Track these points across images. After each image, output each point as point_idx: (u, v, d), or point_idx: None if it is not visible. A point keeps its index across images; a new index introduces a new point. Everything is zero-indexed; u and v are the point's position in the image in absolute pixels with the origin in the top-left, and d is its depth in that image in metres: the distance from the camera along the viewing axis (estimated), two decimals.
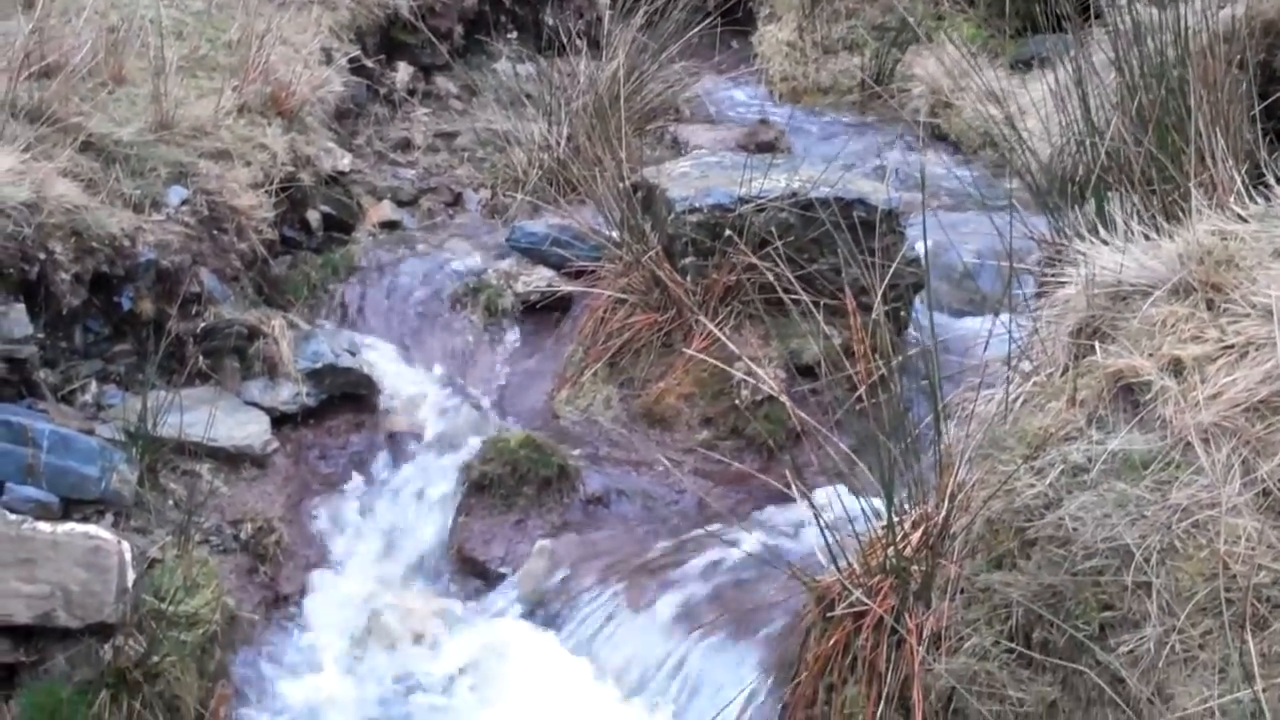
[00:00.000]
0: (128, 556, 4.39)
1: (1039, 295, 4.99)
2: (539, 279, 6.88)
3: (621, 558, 5.46)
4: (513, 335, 6.77)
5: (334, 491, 5.78)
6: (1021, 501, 3.89)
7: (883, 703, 4.06)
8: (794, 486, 4.31)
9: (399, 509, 5.83)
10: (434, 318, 6.82)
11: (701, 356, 5.57)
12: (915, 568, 4.13)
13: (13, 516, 4.33)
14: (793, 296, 4.91)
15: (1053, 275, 4.73)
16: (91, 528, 4.41)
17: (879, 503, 4.31)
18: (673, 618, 5.01)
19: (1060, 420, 4.04)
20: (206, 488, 5.30)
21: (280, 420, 5.80)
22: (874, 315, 4.73)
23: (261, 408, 5.76)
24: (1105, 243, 4.46)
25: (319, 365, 5.96)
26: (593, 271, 6.69)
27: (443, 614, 5.37)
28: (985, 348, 4.68)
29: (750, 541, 5.07)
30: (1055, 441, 3.97)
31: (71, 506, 4.58)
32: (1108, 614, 3.53)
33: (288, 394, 5.86)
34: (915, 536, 4.21)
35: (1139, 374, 3.91)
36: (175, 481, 5.24)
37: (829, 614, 4.28)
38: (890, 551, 4.15)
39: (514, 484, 5.71)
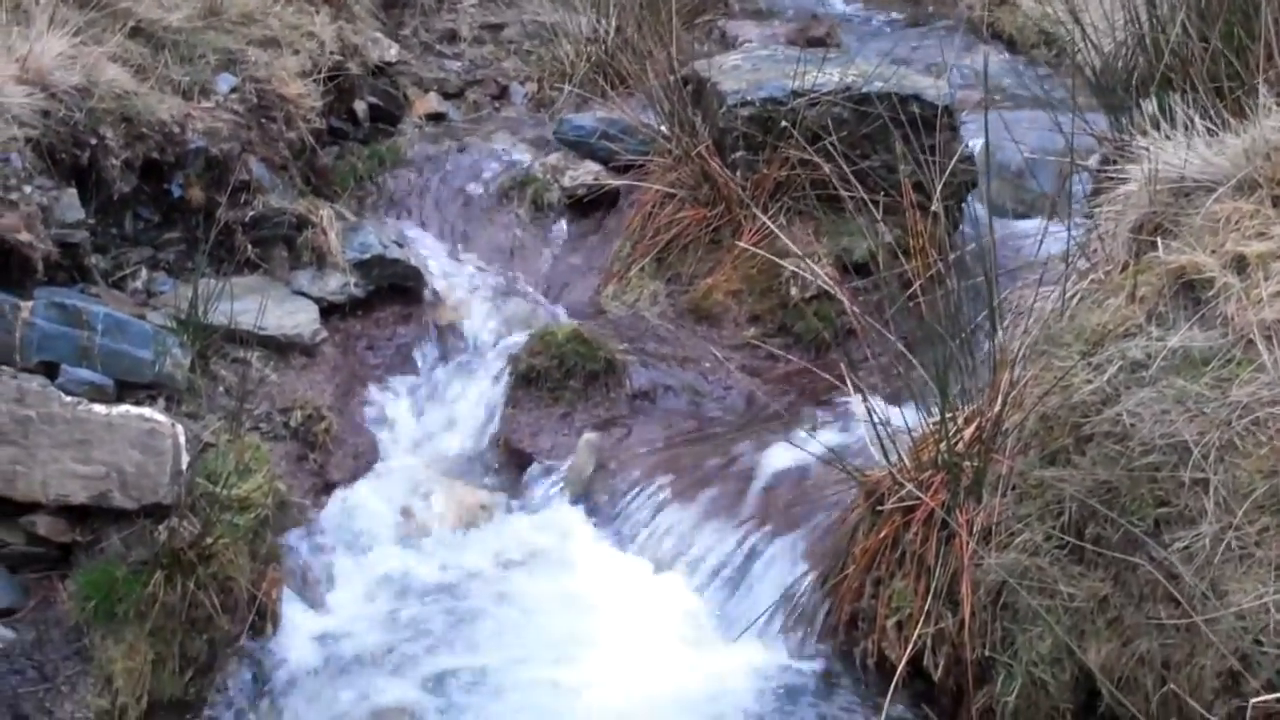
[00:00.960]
0: (182, 439, 4.41)
1: (1097, 193, 4.91)
2: (586, 173, 6.83)
3: (668, 452, 5.47)
4: (559, 229, 6.75)
5: (382, 382, 5.79)
6: (1078, 397, 3.87)
7: (931, 597, 4.07)
8: (847, 379, 4.28)
9: (446, 400, 5.84)
10: (480, 211, 6.80)
11: (753, 250, 5.53)
12: (967, 463, 4.11)
13: (68, 398, 4.35)
14: (845, 193, 4.86)
15: (1113, 172, 4.65)
16: (146, 410, 4.44)
17: (931, 401, 4.29)
18: (719, 512, 5.02)
19: (1119, 317, 4.00)
20: (257, 375, 5.32)
21: (328, 310, 5.80)
22: (933, 209, 4.67)
23: (310, 297, 5.76)
24: (1168, 139, 4.38)
25: (367, 256, 5.95)
26: (640, 166, 6.64)
27: (489, 504, 5.39)
28: (1040, 246, 4.63)
29: (799, 437, 5.06)
30: (1114, 338, 3.94)
31: (125, 390, 4.60)
32: (1163, 510, 3.51)
33: (336, 284, 5.86)
34: (968, 432, 4.19)
35: (1201, 271, 3.86)
36: (226, 369, 5.26)
37: (878, 508, 4.28)
38: (942, 446, 4.14)
39: (561, 377, 5.71)
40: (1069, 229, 4.38)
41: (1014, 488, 4.03)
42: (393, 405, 5.74)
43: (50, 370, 4.46)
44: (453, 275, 6.36)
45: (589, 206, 6.79)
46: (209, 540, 4.32)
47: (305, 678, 4.47)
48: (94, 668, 4.24)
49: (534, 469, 5.54)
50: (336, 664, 4.53)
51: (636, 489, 5.29)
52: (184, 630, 4.31)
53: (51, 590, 4.37)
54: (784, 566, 4.68)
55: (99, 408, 4.37)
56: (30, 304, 4.48)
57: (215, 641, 4.40)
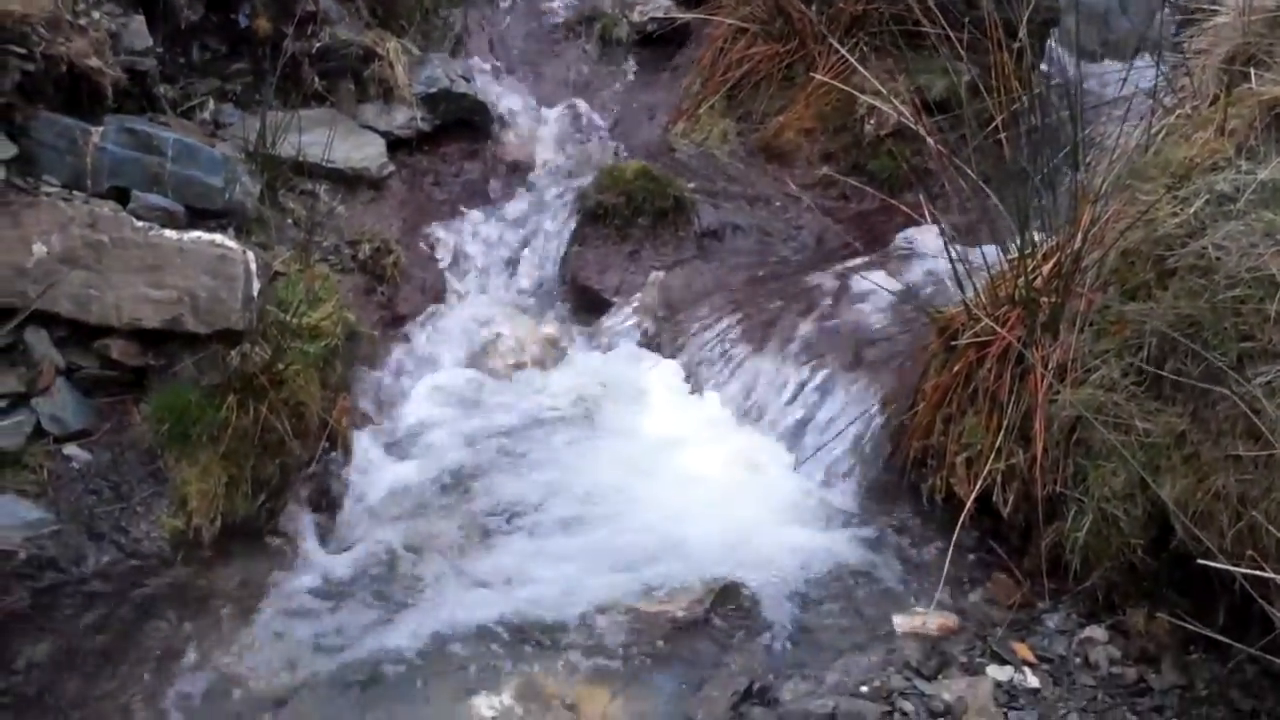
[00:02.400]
0: (253, 266, 4.41)
1: (1186, 25, 4.75)
2: (655, 8, 6.70)
3: (736, 291, 5.43)
4: (628, 66, 6.64)
5: (449, 217, 5.76)
6: (1162, 231, 3.78)
7: (1002, 433, 4.03)
8: (926, 212, 4.20)
9: (513, 236, 5.81)
10: (548, 47, 6.70)
11: (830, 82, 5.42)
12: (1045, 299, 4.05)
13: (139, 223, 4.35)
14: (925, 29, 4.73)
15: (1204, 4, 4.49)
16: (218, 236, 4.43)
17: (1009, 239, 4.21)
18: (788, 349, 5.00)
19: (1207, 150, 3.89)
20: (324, 208, 5.30)
21: (395, 145, 5.76)
22: (1016, 45, 4.54)
23: (377, 131, 5.72)
24: None
25: (434, 90, 5.88)
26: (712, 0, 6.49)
27: (556, 340, 5.39)
28: (1126, 83, 4.49)
29: (870, 275, 5.00)
30: (1201, 171, 3.83)
31: (196, 217, 4.59)
32: (1247, 344, 3.44)
33: (403, 118, 5.80)
34: (1047, 268, 4.12)
35: None
36: (294, 201, 5.25)
37: (952, 344, 4.23)
38: (1020, 282, 4.07)
39: (629, 215, 5.66)
40: (1157, 63, 4.24)
41: (1092, 324, 3.97)
42: (460, 241, 5.71)
43: (121, 196, 4.45)
44: (520, 111, 6.29)
45: (658, 42, 6.67)
46: (280, 366, 4.34)
47: (374, 501, 4.52)
48: (168, 489, 4.31)
49: (601, 306, 5.51)
50: (405, 489, 4.58)
51: (704, 327, 5.27)
52: (256, 454, 4.35)
53: (125, 413, 4.42)
54: (853, 403, 4.65)
55: (170, 233, 4.37)
56: (101, 129, 4.45)
57: (287, 466, 4.44)
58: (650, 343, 5.36)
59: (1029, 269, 4.08)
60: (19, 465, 4.18)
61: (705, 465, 4.64)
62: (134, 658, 3.88)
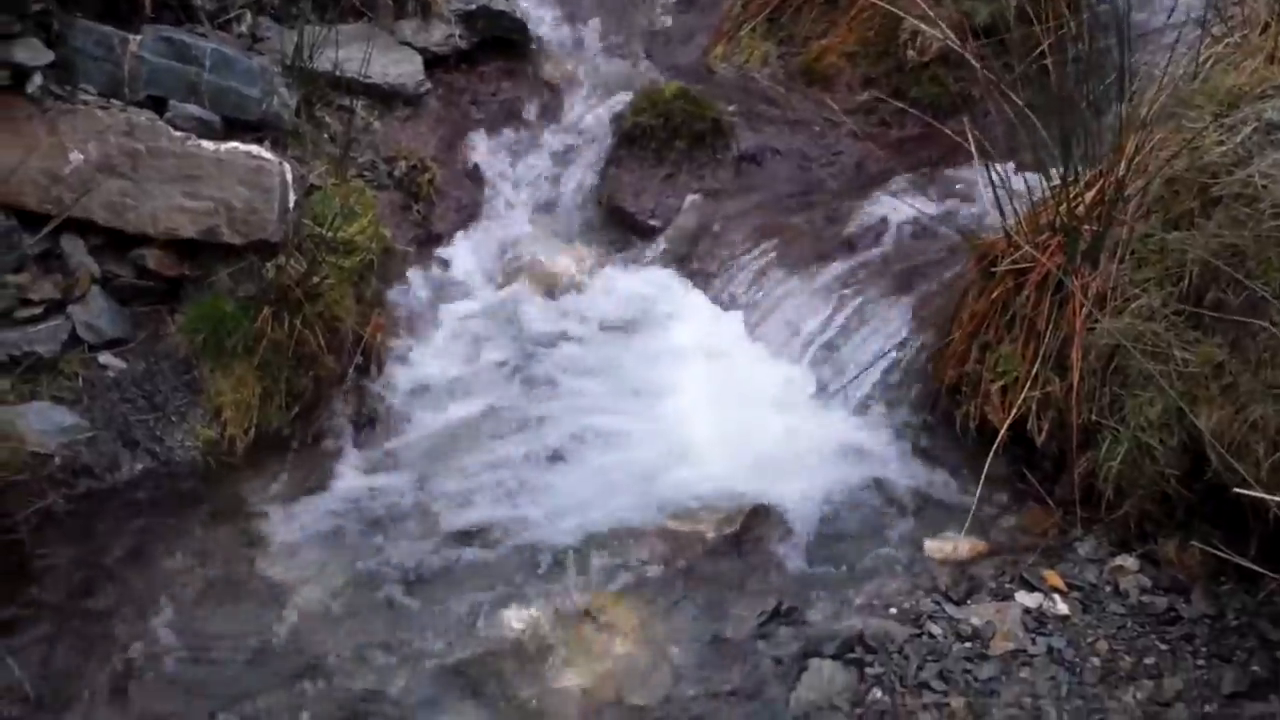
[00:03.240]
0: (289, 178, 4.41)
1: None
2: None
3: (774, 216, 5.38)
4: None
5: (486, 137, 5.71)
6: (1207, 159, 3.72)
7: (1039, 361, 4.00)
8: (970, 137, 4.15)
9: (549, 158, 5.76)
10: None
11: (875, 2, 5.34)
12: (1087, 227, 4.00)
13: (176, 133, 4.35)
14: None
15: None
16: (254, 147, 4.42)
17: (1052, 166, 4.16)
18: (824, 275, 4.95)
19: (1257, 78, 3.83)
20: (361, 123, 5.27)
21: (433, 62, 5.70)
22: None
23: (414, 48, 5.66)
24: None
25: (472, 7, 5.81)
26: None
27: (591, 262, 5.36)
28: (1172, 12, 4.43)
29: (909, 202, 4.95)
30: (1249, 100, 3.78)
31: (232, 128, 4.57)
32: None
33: (440, 35, 5.75)
34: (1089, 196, 4.06)
35: None
36: (330, 116, 5.21)
37: (991, 271, 4.19)
38: (1062, 210, 4.02)
39: (666, 137, 5.60)
40: None
41: (1133, 253, 3.93)
42: (496, 160, 5.66)
43: (158, 105, 4.44)
44: (558, 31, 6.21)
45: None
46: (315, 279, 4.34)
47: (406, 415, 4.53)
48: (203, 399, 4.33)
49: (637, 229, 5.48)
50: (437, 404, 4.58)
51: (740, 252, 5.23)
52: (291, 367, 4.37)
53: (161, 323, 4.44)
54: (888, 331, 4.62)
55: (207, 143, 4.37)
56: (138, 38, 4.44)
57: (321, 379, 4.46)
58: (684, 267, 5.32)
59: (1071, 196, 4.03)
60: (55, 372, 4.21)
61: (737, 389, 4.62)
62: (168, 565, 3.92)
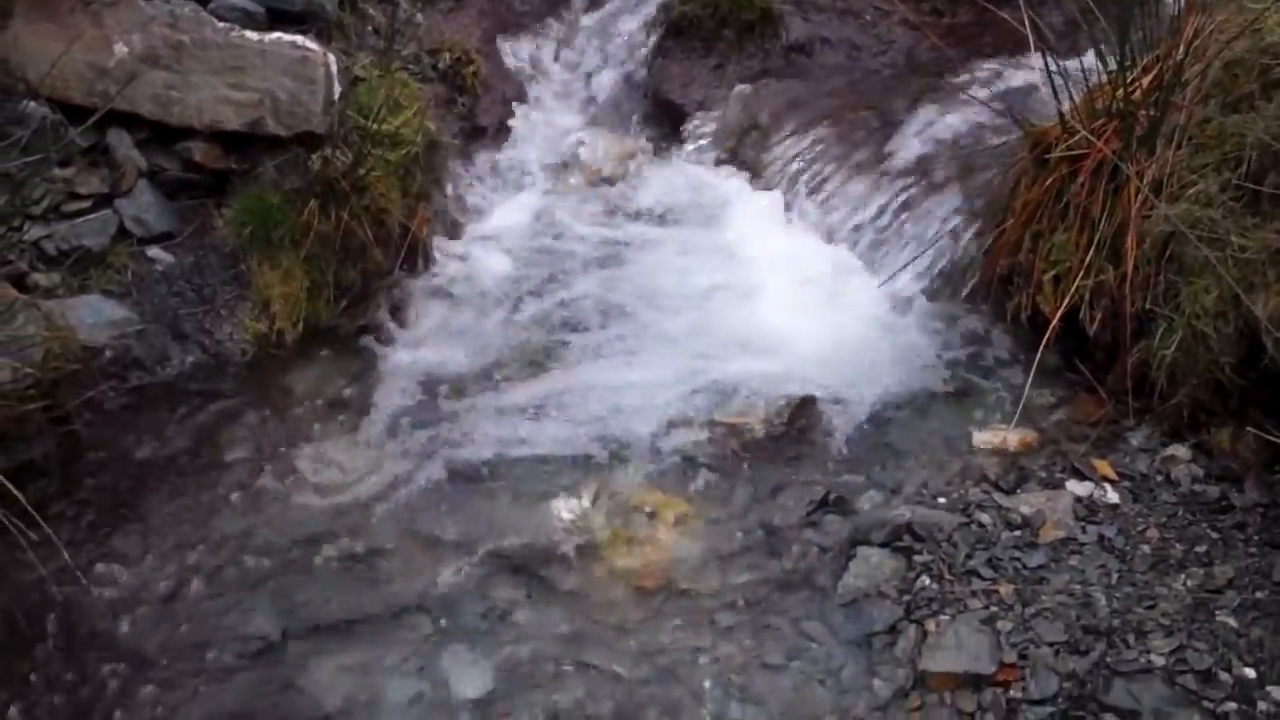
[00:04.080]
0: (334, 69, 4.38)
1: None
2: None
3: (824, 106, 5.32)
4: None
5: (530, 29, 5.67)
6: (1269, 41, 3.63)
7: (1092, 250, 3.94)
8: (1025, 20, 4.06)
9: (595, 49, 5.71)
10: None
11: None
12: (1143, 112, 3.91)
13: (220, 24, 4.32)
14: None
15: None
16: (298, 38, 4.39)
17: (1109, 51, 4.06)
18: (874, 165, 4.90)
19: None
20: (404, 16, 5.22)
21: None
22: None
23: None
24: None
25: None
26: None
27: (638, 154, 5.32)
28: None
29: (962, 90, 4.87)
30: None
31: (276, 20, 4.54)
32: None
33: None
34: (1146, 81, 3.97)
35: None
36: (373, 8, 5.17)
37: (1045, 158, 4.11)
38: (1119, 95, 3.93)
39: (713, 27, 5.53)
40: None
41: (1190, 138, 3.84)
42: (541, 53, 5.64)
43: None
44: None
45: None
46: (361, 172, 4.32)
47: (454, 309, 4.52)
48: (251, 293, 4.34)
49: (685, 119, 5.42)
50: (484, 298, 4.58)
51: (789, 142, 5.17)
52: (338, 260, 4.37)
53: (207, 217, 4.44)
54: (939, 220, 4.56)
55: (251, 34, 4.34)
56: None
57: (368, 272, 4.46)
58: (732, 158, 5.28)
59: (1128, 81, 3.93)
60: (104, 266, 4.23)
61: (786, 280, 4.60)
62: (219, 457, 3.94)
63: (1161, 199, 3.79)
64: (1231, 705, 2.92)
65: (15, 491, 3.09)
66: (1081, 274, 3.95)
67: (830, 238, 4.79)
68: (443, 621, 3.39)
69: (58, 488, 3.69)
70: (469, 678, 3.23)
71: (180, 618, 3.39)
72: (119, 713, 3.14)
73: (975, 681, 3.10)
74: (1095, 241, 3.94)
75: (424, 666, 3.26)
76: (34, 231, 4.10)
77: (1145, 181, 3.82)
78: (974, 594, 3.31)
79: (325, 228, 4.28)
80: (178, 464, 3.88)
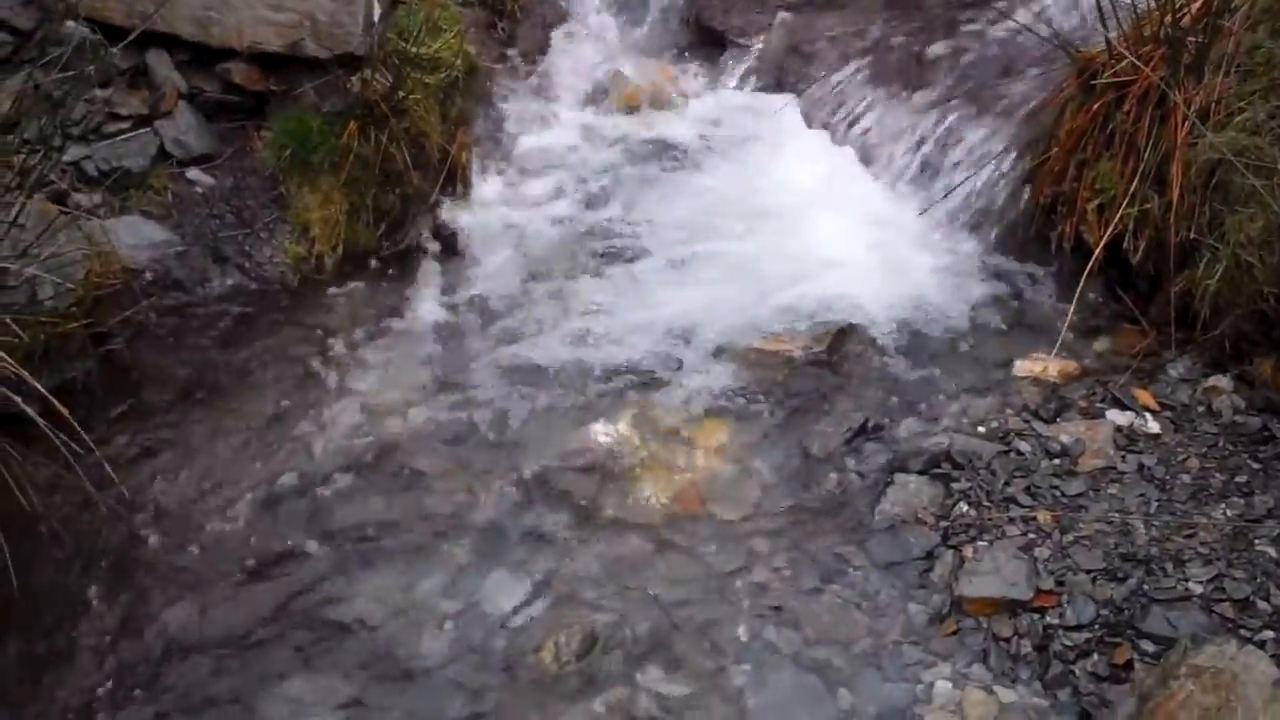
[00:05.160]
0: None
1: None
2: None
3: (867, 34, 5.26)
4: None
5: None
6: None
7: (1137, 178, 3.89)
8: None
9: None
10: None
11: None
12: (1192, 38, 3.85)
13: None
14: None
15: None
16: None
17: None
18: (917, 93, 4.84)
19: None
20: None
21: None
22: None
23: None
24: None
25: None
26: None
27: (679, 80, 5.28)
28: None
29: (1008, 16, 4.80)
30: None
31: None
32: None
33: None
34: (1195, 6, 3.90)
35: None
36: None
37: (1091, 85, 4.06)
38: (1166, 21, 3.87)
39: None
40: None
41: (1239, 65, 3.79)
42: None
43: None
44: None
45: None
46: (401, 95, 4.31)
47: (493, 234, 4.52)
48: (290, 216, 4.35)
49: (725, 47, 5.38)
50: (523, 223, 4.57)
51: (829, 70, 5.12)
52: (377, 184, 4.37)
53: (247, 139, 4.44)
54: (983, 149, 4.51)
55: None
56: None
57: (408, 197, 4.45)
58: (774, 85, 5.24)
59: (1176, 7, 3.87)
60: (145, 187, 4.24)
61: (827, 208, 4.56)
62: (258, 378, 3.97)
63: (1208, 126, 3.74)
64: (1269, 634, 2.92)
65: (61, 408, 3.11)
66: (1126, 203, 3.91)
67: (872, 165, 4.75)
68: (481, 542, 3.41)
69: (100, 406, 3.71)
70: (507, 597, 3.26)
71: (221, 532, 3.43)
72: (161, 623, 3.19)
73: (1012, 607, 3.10)
74: (1140, 170, 3.90)
75: (463, 585, 3.29)
76: (74, 151, 4.11)
77: (1192, 109, 3.77)
78: (1012, 521, 3.31)
79: (365, 151, 4.28)
80: (218, 384, 3.91)
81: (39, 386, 3.19)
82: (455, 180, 4.59)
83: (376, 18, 4.34)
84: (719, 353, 4.01)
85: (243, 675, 3.08)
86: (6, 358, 3.19)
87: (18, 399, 3.17)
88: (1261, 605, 2.99)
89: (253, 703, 3.02)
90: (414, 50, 4.39)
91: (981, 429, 3.65)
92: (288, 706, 3.01)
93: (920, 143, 4.69)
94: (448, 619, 3.20)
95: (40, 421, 3.13)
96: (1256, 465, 3.43)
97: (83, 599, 3.24)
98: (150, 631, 3.17)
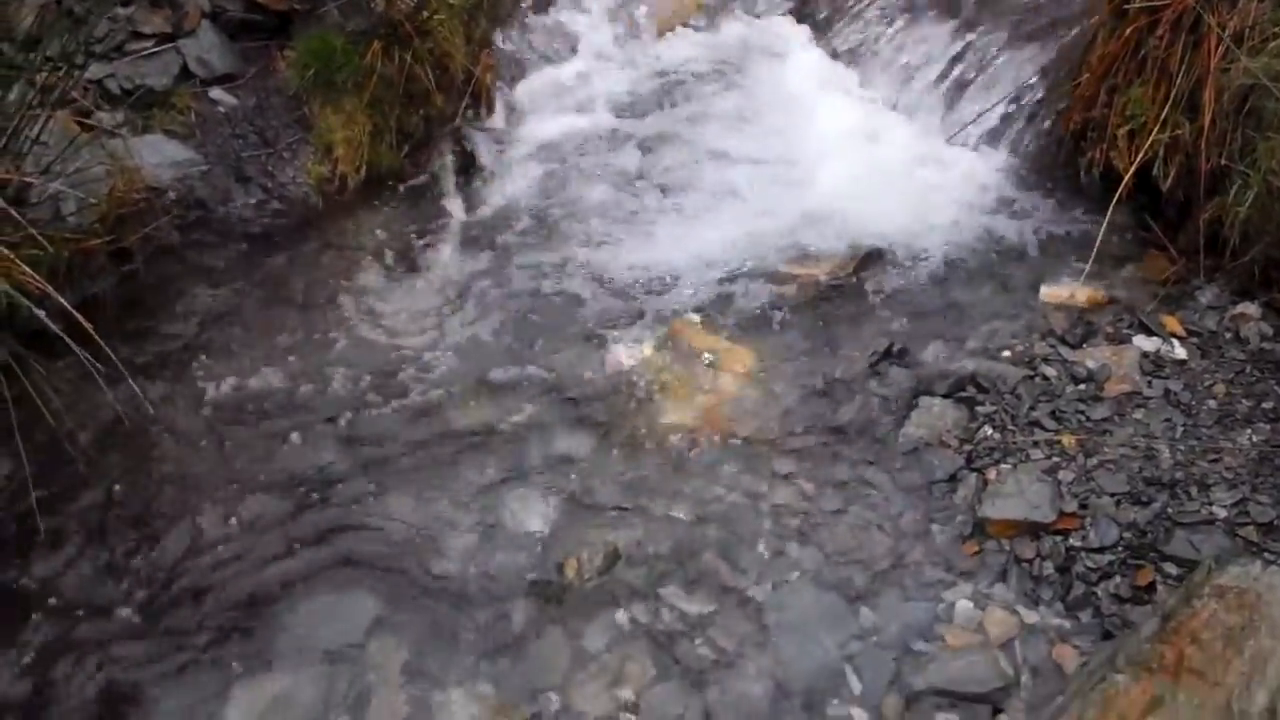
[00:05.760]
0: None
1: None
2: None
3: None
4: None
5: None
6: None
7: (1169, 104, 3.85)
8: None
9: None
10: None
11: None
12: None
13: None
14: None
15: None
16: None
17: None
18: (947, 18, 4.79)
19: None
20: None
21: None
22: None
23: None
24: None
25: None
26: None
27: (705, 4, 5.23)
28: None
29: None
30: None
31: None
32: None
33: None
34: None
35: None
36: None
37: (1123, 9, 4.00)
38: None
39: None
40: None
41: None
42: None
43: None
44: None
45: None
46: (425, 15, 4.27)
47: (517, 155, 4.49)
48: (313, 136, 4.33)
49: None
50: (548, 144, 4.56)
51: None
52: (401, 104, 4.34)
53: (270, 59, 4.41)
54: (1013, 75, 4.47)
55: None
56: None
57: (431, 119, 4.43)
58: (800, 12, 5.18)
59: None
60: (168, 106, 4.22)
61: (854, 133, 4.52)
62: (280, 298, 3.96)
63: (1242, 51, 3.69)
64: None
65: (85, 323, 3.11)
66: (1157, 129, 3.86)
67: (902, 92, 4.71)
68: (504, 460, 3.42)
69: (122, 322, 3.71)
70: (530, 514, 3.27)
71: (245, 449, 3.44)
72: (184, 539, 3.20)
73: (1034, 529, 3.10)
74: (1172, 96, 3.85)
75: (487, 504, 3.30)
76: (96, 69, 4.09)
77: (1226, 33, 3.72)
78: (1036, 444, 3.30)
79: (388, 71, 4.25)
80: (240, 303, 3.91)
81: (64, 302, 3.18)
82: (479, 102, 4.56)
83: None
84: (744, 276, 4.00)
85: (266, 589, 3.09)
86: (31, 273, 3.18)
87: (42, 313, 3.18)
88: None
89: (277, 616, 3.03)
90: None
91: (1007, 353, 3.63)
92: (312, 620, 3.02)
93: (950, 69, 4.64)
94: (471, 535, 3.21)
95: (64, 337, 3.14)
96: None
97: (104, 511, 3.25)
98: (171, 544, 3.19)
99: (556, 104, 4.71)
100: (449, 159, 4.45)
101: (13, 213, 3.20)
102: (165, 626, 3.02)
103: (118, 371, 3.26)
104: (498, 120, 4.60)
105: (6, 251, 3.10)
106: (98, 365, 3.18)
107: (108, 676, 2.91)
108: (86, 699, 2.87)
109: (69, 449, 3.35)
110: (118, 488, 3.31)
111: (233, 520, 3.25)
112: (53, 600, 3.05)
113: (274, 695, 2.87)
